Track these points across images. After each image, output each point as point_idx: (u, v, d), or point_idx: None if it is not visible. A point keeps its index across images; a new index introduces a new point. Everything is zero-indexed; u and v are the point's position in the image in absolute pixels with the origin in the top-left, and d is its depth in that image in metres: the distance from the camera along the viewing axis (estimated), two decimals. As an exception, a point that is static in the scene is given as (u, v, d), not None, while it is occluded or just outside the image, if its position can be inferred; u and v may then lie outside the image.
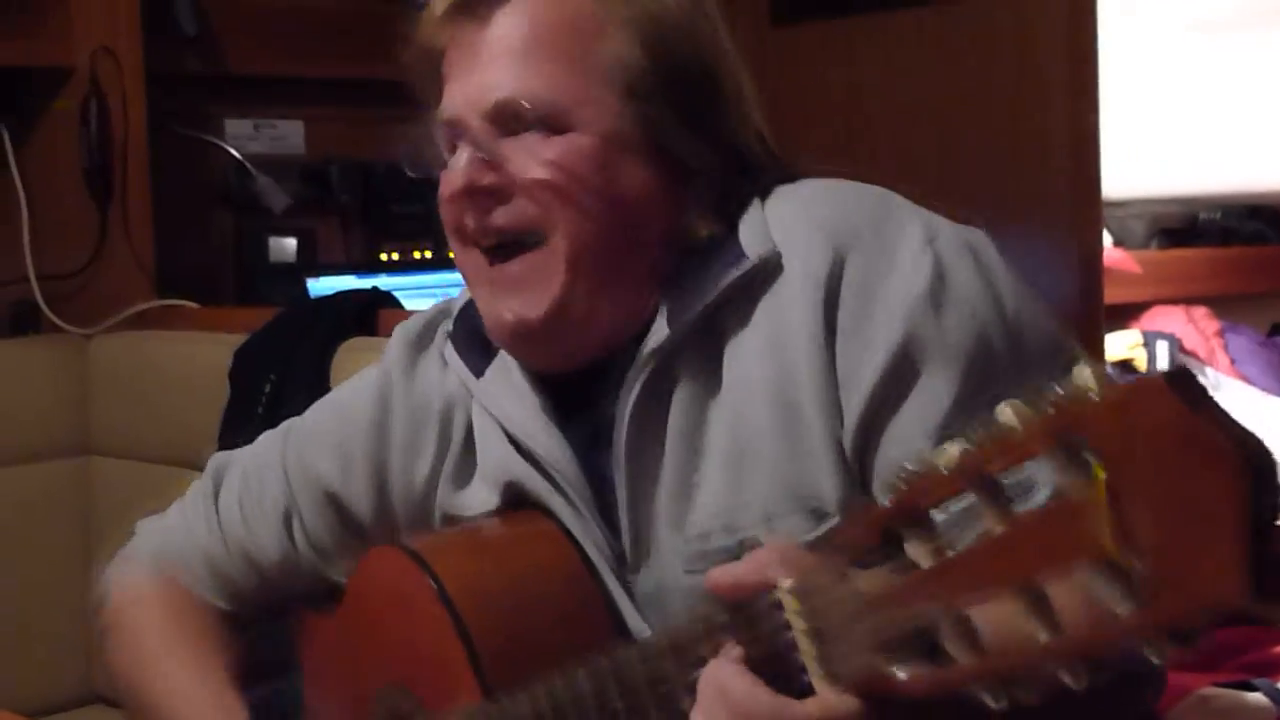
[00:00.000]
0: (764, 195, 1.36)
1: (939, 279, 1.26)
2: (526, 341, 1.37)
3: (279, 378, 2.31)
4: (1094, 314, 2.58)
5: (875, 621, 0.96)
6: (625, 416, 1.34)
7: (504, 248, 1.34)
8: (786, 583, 1.05)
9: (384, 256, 3.20)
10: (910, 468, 0.91)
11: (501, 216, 1.33)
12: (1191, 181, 3.74)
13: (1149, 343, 3.54)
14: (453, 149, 1.36)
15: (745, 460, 1.30)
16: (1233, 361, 3.64)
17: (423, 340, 1.54)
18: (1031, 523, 0.84)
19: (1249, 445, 0.76)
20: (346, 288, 2.64)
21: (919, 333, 1.25)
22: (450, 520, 1.49)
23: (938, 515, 0.91)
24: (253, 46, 3.03)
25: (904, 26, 2.69)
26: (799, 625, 1.04)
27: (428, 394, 1.50)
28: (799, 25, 2.82)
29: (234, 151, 3.01)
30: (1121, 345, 3.47)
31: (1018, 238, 2.53)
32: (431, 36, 1.38)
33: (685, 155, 1.34)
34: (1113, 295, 3.34)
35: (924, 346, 1.24)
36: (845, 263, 1.27)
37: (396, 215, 3.22)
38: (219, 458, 1.67)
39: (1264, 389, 3.58)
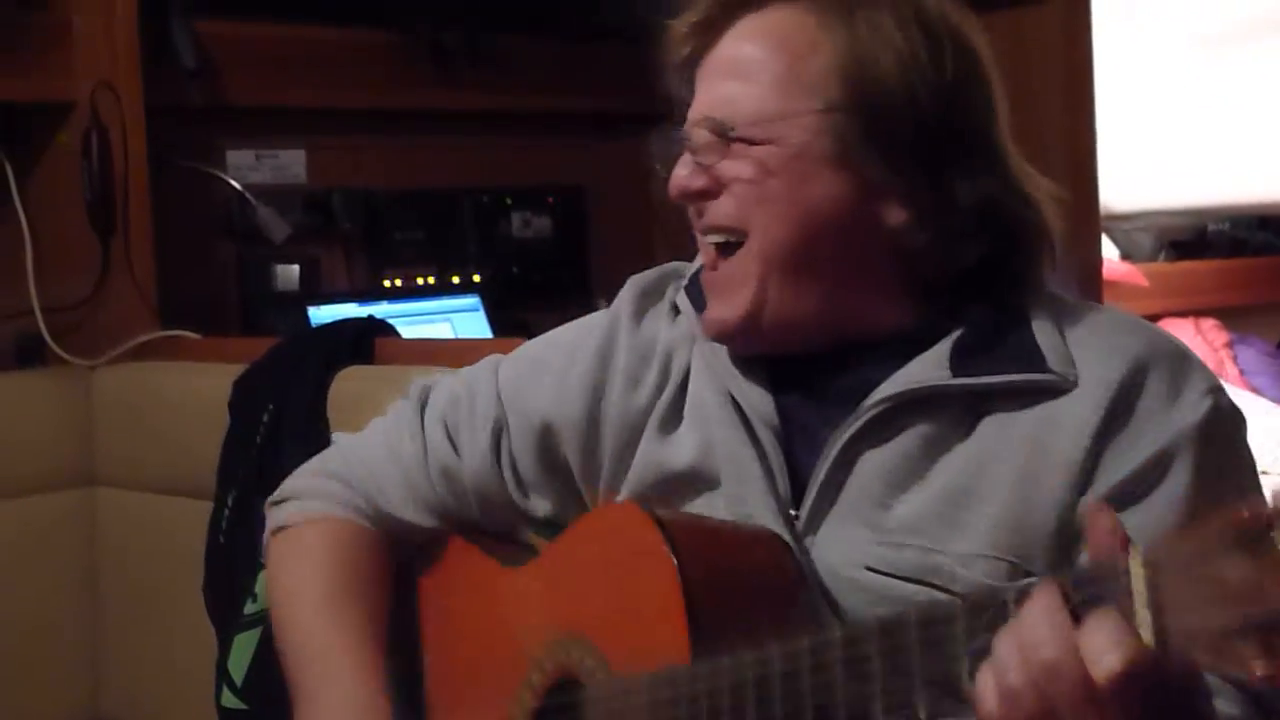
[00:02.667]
0: (1051, 298, 1.44)
1: (1207, 429, 1.37)
2: (729, 340, 1.50)
3: (277, 407, 2.32)
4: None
5: (1229, 607, 0.96)
6: (860, 420, 1.42)
7: (721, 248, 1.47)
8: (1137, 550, 1.04)
9: (387, 283, 3.21)
10: None
11: (710, 215, 1.47)
12: (1200, 193, 3.74)
13: (1157, 356, 3.53)
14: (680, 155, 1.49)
15: (968, 502, 1.39)
16: (1242, 373, 3.64)
17: (653, 293, 1.63)
18: None
19: None
20: (346, 315, 2.65)
21: (1181, 452, 1.36)
22: (656, 469, 1.53)
23: None
24: (252, 77, 3.04)
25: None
26: (1141, 595, 1.02)
27: (654, 337, 1.59)
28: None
29: (234, 183, 3.02)
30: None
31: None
32: (676, 49, 1.51)
33: (876, 176, 1.42)
34: (1122, 308, 3.34)
35: (1180, 463, 1.36)
36: (1141, 386, 1.37)
37: (399, 242, 3.24)
38: (420, 381, 1.74)
39: (1274, 400, 3.57)
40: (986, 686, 1.10)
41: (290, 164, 3.16)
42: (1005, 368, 1.40)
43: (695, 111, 1.47)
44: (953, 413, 1.41)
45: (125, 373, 2.73)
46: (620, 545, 1.46)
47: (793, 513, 1.45)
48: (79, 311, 2.80)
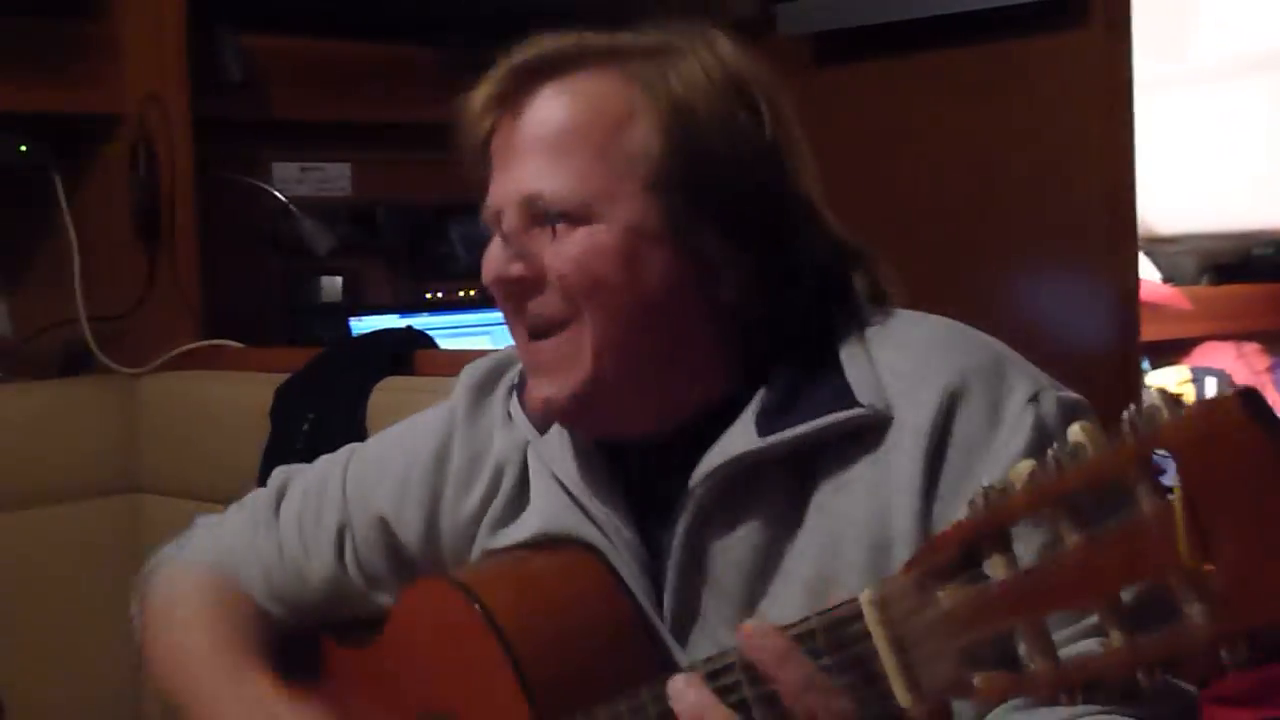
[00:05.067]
0: (862, 327, 1.38)
1: (1037, 441, 1.28)
2: (557, 419, 1.42)
3: (317, 416, 2.35)
4: (1130, 352, 2.59)
5: (955, 632, 1.00)
6: (689, 508, 1.36)
7: (538, 329, 1.38)
8: (867, 593, 1.06)
9: (429, 296, 3.23)
10: (987, 486, 0.96)
11: (534, 305, 1.37)
12: (1243, 217, 3.72)
13: (1198, 378, 3.53)
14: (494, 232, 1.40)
15: (832, 584, 1.29)
16: (1282, 397, 3.63)
17: (486, 386, 1.57)
18: (1109, 537, 0.90)
19: None
20: (387, 327, 2.68)
21: None
22: (486, 554, 1.52)
23: (1014, 532, 0.96)
24: (298, 91, 3.07)
25: (945, 67, 2.71)
26: (880, 634, 1.04)
27: (487, 439, 1.54)
28: (843, 66, 2.85)
29: (279, 195, 3.04)
30: (1170, 381, 3.46)
31: (1055, 277, 2.57)
32: (474, 125, 1.40)
33: (707, 248, 1.34)
34: (1163, 331, 3.33)
35: None
36: (954, 417, 1.29)
37: (442, 255, 3.26)
38: (282, 470, 1.72)
39: (1315, 424, 3.55)
40: None
41: (335, 177, 3.18)
42: (813, 413, 1.32)
43: (503, 192, 1.37)
44: (782, 483, 1.34)
45: (169, 381, 2.76)
46: (440, 621, 1.44)
47: (659, 612, 1.40)
48: (124, 321, 2.84)
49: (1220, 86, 3.60)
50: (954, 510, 1.24)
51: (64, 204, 2.84)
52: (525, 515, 1.50)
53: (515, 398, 1.52)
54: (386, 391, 2.33)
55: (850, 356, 1.35)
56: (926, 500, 1.29)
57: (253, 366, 2.67)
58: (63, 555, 2.68)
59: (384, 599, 1.61)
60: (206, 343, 2.80)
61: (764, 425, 1.33)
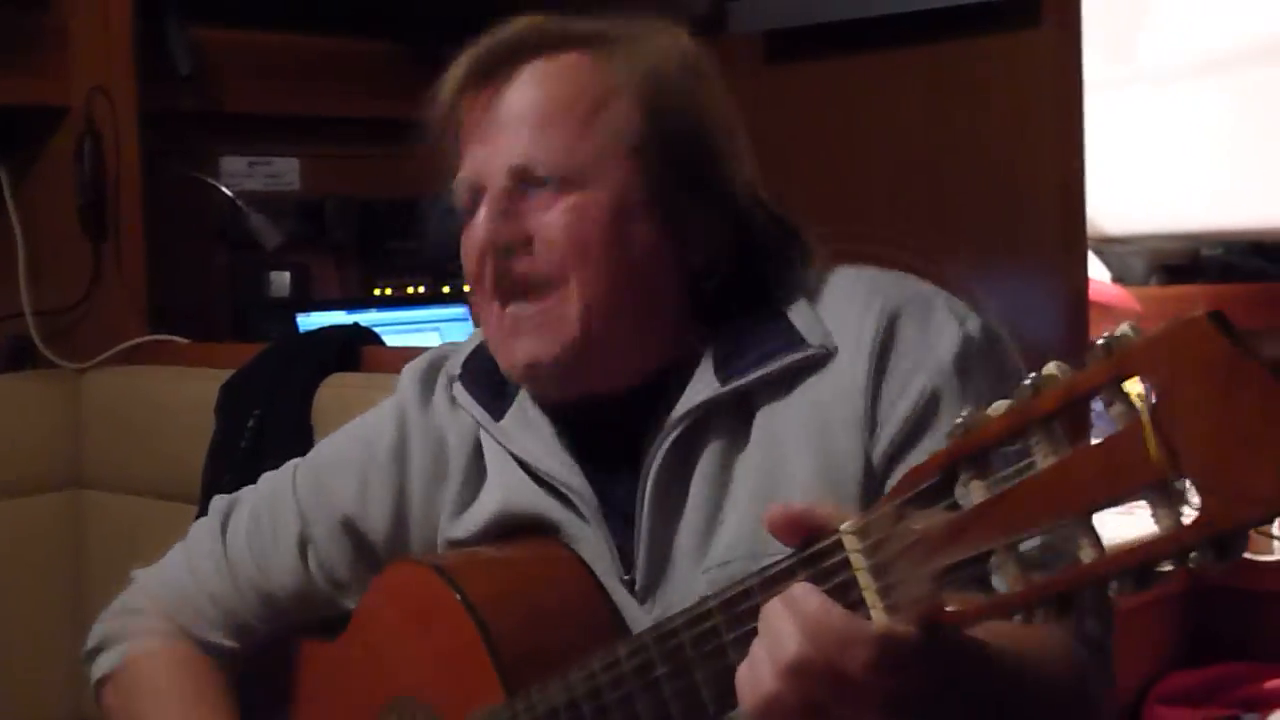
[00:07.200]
0: (802, 284, 1.48)
1: (965, 352, 1.41)
2: (538, 380, 1.47)
3: (263, 413, 2.33)
4: (1080, 352, 2.58)
5: (932, 555, 1.03)
6: (658, 458, 1.44)
7: (523, 292, 1.43)
8: (846, 523, 1.09)
9: (377, 291, 3.22)
10: (966, 415, 1.00)
11: (522, 265, 1.43)
12: (1193, 218, 3.74)
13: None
14: (473, 208, 1.45)
15: (778, 495, 1.39)
16: (1231, 398, 3.64)
17: (429, 379, 1.62)
18: (1083, 455, 0.94)
19: None
20: (335, 323, 2.66)
21: (945, 388, 1.40)
22: (452, 545, 1.54)
23: (991, 458, 1.00)
24: (248, 84, 3.05)
25: (896, 67, 2.71)
26: (859, 562, 1.08)
27: (441, 426, 1.58)
28: (794, 64, 2.84)
29: (227, 189, 3.03)
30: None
31: (1006, 277, 2.57)
32: (449, 102, 1.47)
33: (685, 214, 1.45)
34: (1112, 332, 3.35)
35: (947, 399, 1.40)
36: (894, 337, 1.41)
37: (391, 251, 3.25)
38: (221, 499, 1.72)
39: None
40: (759, 665, 1.11)
41: (284, 171, 3.17)
42: (768, 359, 1.42)
43: (485, 163, 1.44)
44: (728, 423, 1.44)
45: (114, 376, 2.74)
46: (414, 602, 1.49)
47: (626, 578, 1.45)
48: (69, 315, 2.81)
49: (1170, 88, 3.61)
50: (890, 409, 1.39)
51: (8, 197, 2.82)
52: (483, 497, 1.54)
53: (459, 386, 1.57)
54: (333, 388, 2.32)
55: (794, 308, 1.45)
56: (870, 404, 1.40)
57: (199, 362, 2.65)
58: (6, 551, 2.65)
59: (351, 604, 1.62)
60: (152, 338, 2.78)
61: (722, 374, 1.43)
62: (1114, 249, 3.78)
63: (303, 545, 1.63)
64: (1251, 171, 3.61)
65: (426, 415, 1.59)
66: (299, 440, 2.23)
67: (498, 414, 1.53)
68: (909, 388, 1.40)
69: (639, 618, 1.43)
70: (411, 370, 1.64)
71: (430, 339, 3.04)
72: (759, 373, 1.42)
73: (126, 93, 2.79)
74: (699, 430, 1.44)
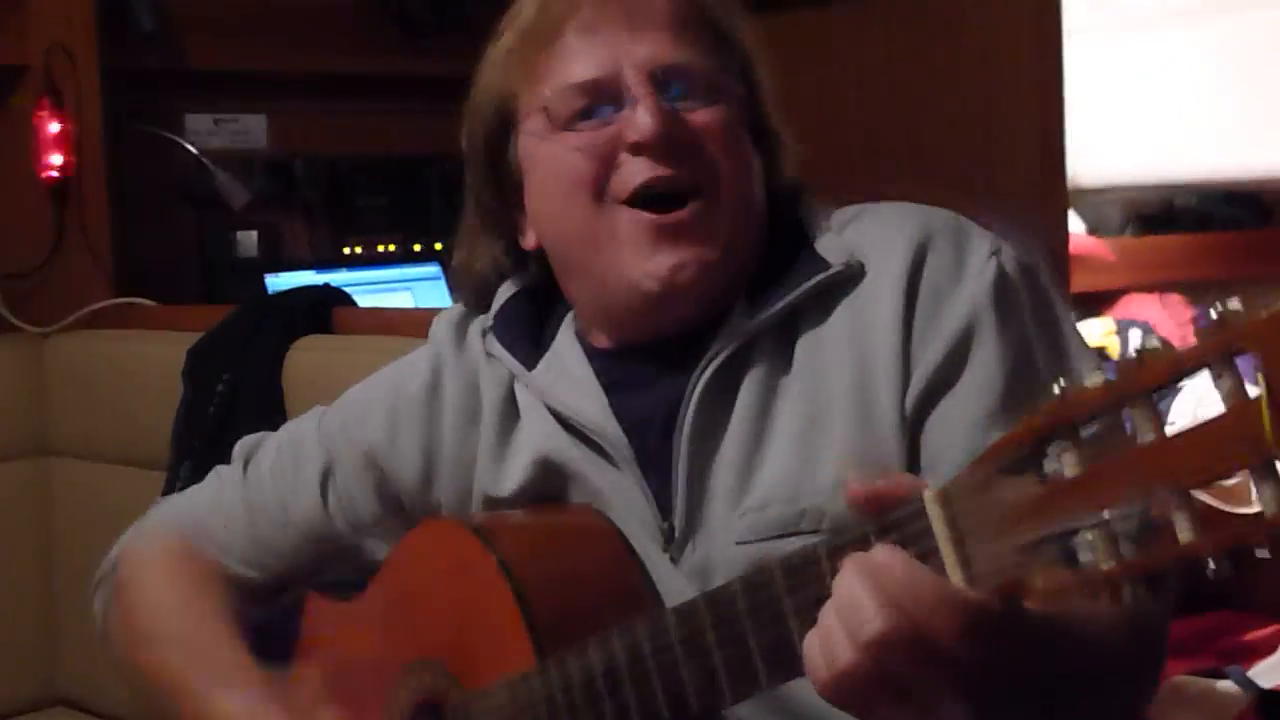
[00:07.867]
0: (828, 217, 1.47)
1: (1001, 285, 1.36)
2: (676, 291, 1.41)
3: (233, 377, 2.30)
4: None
5: (1019, 526, 0.99)
6: (695, 396, 1.41)
7: (678, 197, 1.40)
8: (930, 491, 1.05)
9: (348, 251, 3.18)
10: (1064, 383, 0.96)
11: (687, 166, 1.40)
12: (1167, 168, 3.73)
13: (1122, 330, 3.53)
14: (590, 110, 1.41)
15: (816, 437, 1.37)
16: (1208, 348, 3.63)
17: (462, 328, 1.59)
18: (1186, 432, 0.90)
19: None
20: (304, 284, 2.62)
21: (980, 324, 1.35)
22: (488, 500, 1.52)
23: (1085, 431, 0.96)
24: (212, 41, 3.01)
25: (876, 14, 2.70)
26: (941, 531, 1.03)
27: (476, 370, 1.56)
28: (778, 14, 2.82)
29: (192, 148, 2.99)
30: (1095, 333, 3.46)
31: (984, 226, 2.56)
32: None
33: (761, 144, 1.46)
34: (1088, 283, 3.33)
35: (982, 335, 1.35)
36: (925, 263, 1.37)
37: (361, 209, 3.21)
38: (248, 439, 1.70)
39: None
40: (833, 636, 1.06)
41: (251, 129, 3.13)
42: (796, 283, 1.40)
43: (623, 60, 1.41)
44: (769, 350, 1.41)
45: (79, 341, 2.71)
46: (446, 562, 1.46)
47: (663, 525, 1.42)
48: (33, 278, 2.78)
49: (1146, 36, 3.60)
50: (924, 345, 1.35)
51: (-33, 157, 2.77)
52: (517, 446, 1.51)
53: (492, 337, 1.54)
54: (304, 350, 2.29)
55: (822, 239, 1.44)
56: (904, 337, 1.36)
57: (166, 325, 2.62)
58: (-29, 519, 2.62)
59: (370, 544, 1.61)
60: (118, 301, 2.75)
61: (758, 301, 1.42)
62: (1089, 199, 3.77)
63: (324, 480, 1.61)
64: (1226, 120, 3.60)
65: (460, 358, 1.57)
66: (270, 404, 2.20)
67: (530, 364, 1.51)
68: (941, 324, 1.35)
69: (673, 582, 1.39)
70: (444, 318, 1.61)
71: (402, 299, 3.01)
72: (788, 298, 1.40)
73: (88, 50, 2.76)
74: (739, 362, 1.41)
